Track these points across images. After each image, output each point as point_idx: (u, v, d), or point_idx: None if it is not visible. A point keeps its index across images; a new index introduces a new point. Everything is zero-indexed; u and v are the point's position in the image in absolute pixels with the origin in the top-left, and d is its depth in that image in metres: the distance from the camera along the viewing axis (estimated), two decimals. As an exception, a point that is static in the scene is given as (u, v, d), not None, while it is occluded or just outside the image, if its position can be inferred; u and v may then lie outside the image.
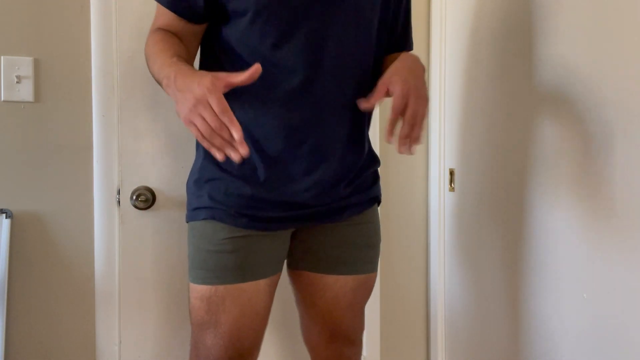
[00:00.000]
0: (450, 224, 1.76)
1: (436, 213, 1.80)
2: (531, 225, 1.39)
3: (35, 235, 1.49)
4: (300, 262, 1.28)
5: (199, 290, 1.16)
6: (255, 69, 0.96)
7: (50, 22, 1.48)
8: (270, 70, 1.09)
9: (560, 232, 1.30)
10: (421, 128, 1.11)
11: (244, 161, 1.07)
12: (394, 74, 1.11)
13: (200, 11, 1.13)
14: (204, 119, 0.94)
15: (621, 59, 1.12)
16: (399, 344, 1.84)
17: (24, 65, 1.46)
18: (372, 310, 1.77)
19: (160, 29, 1.16)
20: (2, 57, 1.45)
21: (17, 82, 1.45)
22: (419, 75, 1.14)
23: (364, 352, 1.75)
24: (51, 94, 1.49)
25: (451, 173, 1.74)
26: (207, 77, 0.96)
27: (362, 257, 1.27)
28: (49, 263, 1.50)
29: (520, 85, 1.42)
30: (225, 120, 0.94)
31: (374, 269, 1.30)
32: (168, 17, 1.16)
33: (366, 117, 1.23)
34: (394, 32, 1.26)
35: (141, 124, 1.54)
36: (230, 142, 0.95)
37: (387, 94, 1.11)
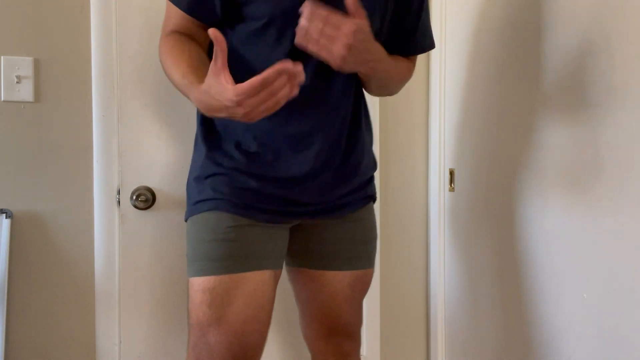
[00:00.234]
0: (450, 224, 1.76)
1: (436, 213, 1.80)
2: (531, 225, 1.39)
3: (35, 235, 1.49)
4: (300, 259, 1.30)
5: (201, 282, 1.14)
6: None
7: (50, 22, 1.48)
8: None
9: (561, 232, 1.30)
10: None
11: (251, 158, 1.13)
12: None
13: (217, 16, 1.14)
14: (251, 107, 0.93)
15: (621, 59, 1.12)
16: (399, 343, 1.84)
17: (24, 65, 1.46)
18: (372, 309, 1.77)
19: (172, 32, 1.16)
20: (2, 57, 1.45)
21: (17, 82, 1.45)
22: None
23: (364, 352, 1.75)
24: (51, 94, 1.49)
25: (451, 173, 1.74)
26: (229, 93, 0.93)
27: (359, 253, 1.30)
28: (49, 263, 1.50)
29: (521, 85, 1.42)
30: (263, 93, 0.91)
31: (371, 265, 1.33)
32: (181, 19, 1.15)
33: (363, 122, 1.26)
34: (398, 36, 1.25)
35: (141, 124, 1.54)
36: (285, 87, 0.93)
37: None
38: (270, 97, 0.93)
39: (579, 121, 1.22)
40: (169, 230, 1.55)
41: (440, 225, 1.79)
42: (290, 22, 1.06)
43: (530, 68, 1.37)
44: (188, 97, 1.07)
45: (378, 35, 1.17)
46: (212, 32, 0.92)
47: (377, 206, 1.76)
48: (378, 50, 1.13)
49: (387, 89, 1.33)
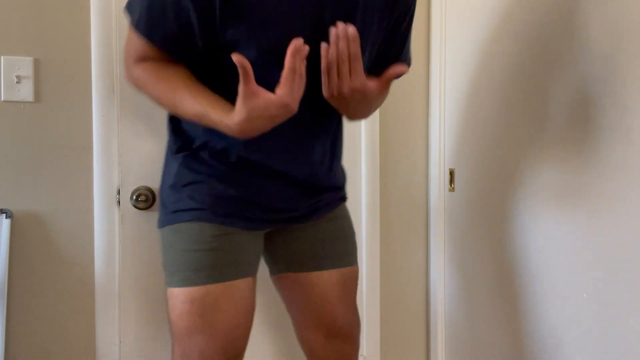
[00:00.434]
0: (450, 224, 1.76)
1: (436, 213, 1.80)
2: (531, 225, 1.39)
3: (35, 235, 1.49)
4: (282, 264, 1.31)
5: (188, 293, 1.13)
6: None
7: (50, 22, 1.48)
8: None
9: (561, 232, 1.30)
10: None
11: (229, 166, 1.15)
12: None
13: (196, 55, 1.09)
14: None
15: (622, 59, 1.12)
16: (399, 344, 1.84)
17: (24, 65, 1.46)
18: (372, 310, 1.77)
19: (144, 60, 1.10)
20: (2, 57, 1.45)
21: (17, 82, 1.45)
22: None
23: (364, 352, 1.75)
24: (51, 94, 1.49)
25: (451, 173, 1.75)
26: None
27: (341, 250, 1.32)
28: (49, 263, 1.50)
29: (521, 85, 1.42)
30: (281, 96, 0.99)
31: (355, 262, 1.35)
32: (151, 48, 1.09)
33: (339, 140, 1.30)
34: (385, 59, 1.23)
35: (141, 124, 1.54)
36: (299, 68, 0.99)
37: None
38: (299, 79, 0.99)
39: (579, 121, 1.22)
40: (169, 230, 1.55)
41: (440, 225, 1.79)
42: (275, 63, 1.03)
43: (531, 68, 1.37)
44: (214, 126, 1.05)
45: (367, 61, 1.17)
46: (237, 59, 0.94)
47: (377, 206, 1.77)
48: (370, 101, 1.16)
49: (362, 118, 1.34)
